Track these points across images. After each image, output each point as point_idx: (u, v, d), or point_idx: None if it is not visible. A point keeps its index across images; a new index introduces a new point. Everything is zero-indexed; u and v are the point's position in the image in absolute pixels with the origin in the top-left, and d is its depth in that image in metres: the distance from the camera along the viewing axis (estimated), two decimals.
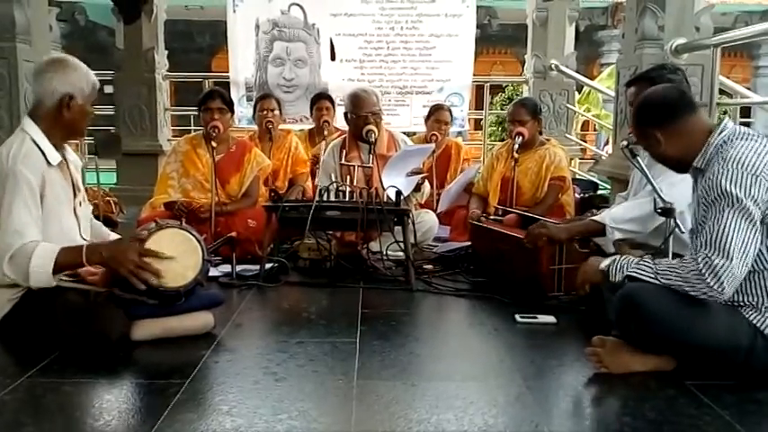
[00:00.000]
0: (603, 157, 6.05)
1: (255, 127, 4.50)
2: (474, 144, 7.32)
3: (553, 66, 6.17)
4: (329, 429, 1.57)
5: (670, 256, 2.04)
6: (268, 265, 3.02)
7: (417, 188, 3.32)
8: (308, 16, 5.69)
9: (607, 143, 8.34)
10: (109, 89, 6.23)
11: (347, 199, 3.04)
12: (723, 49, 3.46)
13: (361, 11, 5.70)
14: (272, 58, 5.74)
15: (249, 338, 2.30)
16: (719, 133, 1.86)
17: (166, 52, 6.13)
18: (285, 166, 4.25)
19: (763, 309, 1.82)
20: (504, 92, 8.81)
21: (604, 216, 2.58)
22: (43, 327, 2.05)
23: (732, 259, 1.72)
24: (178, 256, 2.13)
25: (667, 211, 2.09)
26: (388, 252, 3.10)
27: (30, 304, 2.07)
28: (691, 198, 2.01)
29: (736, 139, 1.83)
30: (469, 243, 3.46)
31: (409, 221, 3.03)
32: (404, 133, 4.05)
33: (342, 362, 1.99)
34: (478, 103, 7.81)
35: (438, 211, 3.92)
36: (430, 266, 3.31)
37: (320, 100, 4.67)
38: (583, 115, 7.65)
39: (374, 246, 3.22)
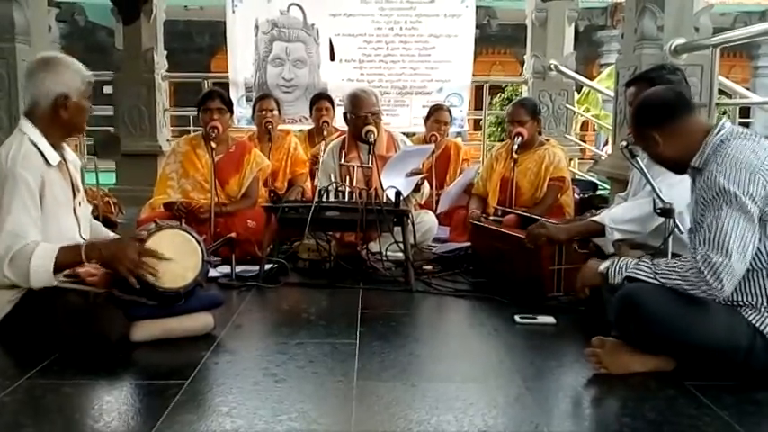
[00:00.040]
0: (603, 158, 6.06)
1: (255, 127, 4.50)
2: (473, 144, 7.33)
3: (552, 66, 6.17)
4: (329, 430, 1.57)
5: (669, 256, 2.04)
6: (267, 266, 3.02)
7: (417, 189, 3.32)
8: (307, 16, 5.68)
9: (606, 143, 8.35)
10: (108, 90, 6.24)
11: (347, 200, 3.04)
12: (722, 49, 3.46)
13: (360, 11, 5.70)
14: (271, 59, 5.74)
15: (249, 339, 2.30)
16: (717, 133, 1.87)
17: (166, 53, 6.12)
18: (284, 166, 4.25)
19: (762, 308, 1.82)
20: (504, 92, 8.82)
21: (604, 216, 2.58)
22: (43, 328, 2.05)
23: (731, 256, 1.73)
24: (178, 256, 2.13)
25: (667, 212, 2.09)
26: (388, 253, 3.10)
27: (29, 305, 2.07)
28: (690, 199, 2.01)
29: (734, 138, 1.84)
30: (469, 244, 3.46)
31: (409, 222, 3.03)
32: (403, 134, 4.05)
33: (341, 363, 1.99)
34: (478, 104, 7.81)
35: (438, 212, 3.92)
36: (429, 267, 3.31)
37: (320, 100, 4.67)
38: (582, 115, 7.66)
39: (374, 246, 3.22)
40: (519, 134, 3.59)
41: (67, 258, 2.07)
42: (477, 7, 5.98)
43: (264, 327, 2.55)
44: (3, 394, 1.74)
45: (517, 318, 2.44)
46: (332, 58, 5.73)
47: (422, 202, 3.69)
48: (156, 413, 1.62)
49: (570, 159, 5.92)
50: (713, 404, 1.70)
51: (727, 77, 4.02)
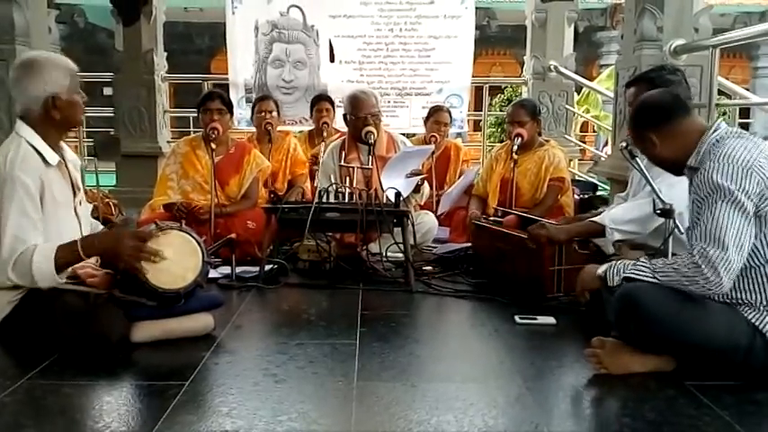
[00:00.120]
0: (603, 158, 6.06)
1: (254, 129, 4.50)
2: (473, 145, 7.32)
3: (552, 67, 6.17)
4: (329, 431, 1.57)
5: (669, 256, 2.04)
6: (268, 267, 3.03)
7: (417, 189, 3.32)
8: (307, 18, 5.68)
9: (606, 144, 8.34)
10: (108, 91, 6.24)
11: (347, 200, 3.04)
12: (722, 49, 3.46)
13: (360, 12, 5.70)
14: (271, 60, 5.74)
15: (249, 340, 2.30)
16: (712, 133, 1.90)
17: (165, 54, 6.12)
18: (284, 167, 4.25)
19: (761, 307, 1.83)
20: (504, 93, 8.81)
21: (604, 217, 2.59)
22: (43, 329, 2.05)
23: (727, 249, 1.74)
24: (178, 257, 2.13)
25: (666, 212, 2.10)
26: (388, 253, 3.10)
27: (29, 306, 2.08)
28: (689, 199, 2.02)
29: (728, 137, 1.87)
30: (469, 244, 3.46)
31: (409, 223, 3.04)
32: (403, 134, 4.05)
33: (342, 363, 1.99)
34: (477, 105, 7.81)
35: (438, 213, 3.92)
36: (429, 268, 3.31)
37: (320, 101, 4.67)
38: (582, 116, 7.65)
39: (374, 247, 3.22)
40: (519, 135, 3.60)
41: (66, 256, 2.07)
42: (476, 8, 5.98)
43: (264, 327, 2.55)
44: (3, 395, 1.74)
45: (517, 318, 2.44)
46: (332, 59, 5.73)
47: (422, 203, 3.70)
48: (156, 414, 1.62)
49: (570, 160, 5.92)
50: (713, 404, 1.70)
51: (727, 78, 4.02)
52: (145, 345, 2.11)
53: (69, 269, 2.14)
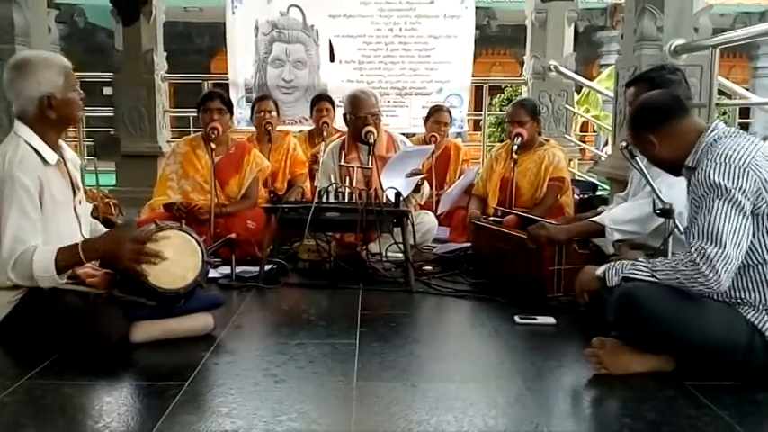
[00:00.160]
0: (602, 158, 6.06)
1: (254, 128, 4.50)
2: (473, 145, 7.32)
3: (552, 67, 6.17)
4: (329, 431, 1.57)
5: (669, 256, 2.04)
6: (267, 267, 3.03)
7: (417, 189, 3.32)
8: (306, 18, 5.68)
9: (606, 144, 8.34)
10: (108, 91, 6.23)
11: (346, 200, 3.04)
12: (722, 49, 3.46)
13: (359, 12, 5.70)
14: (271, 60, 5.74)
15: (249, 340, 2.30)
16: (710, 133, 1.90)
17: (165, 54, 6.12)
18: (284, 167, 4.25)
19: (760, 306, 1.83)
20: (504, 93, 8.81)
21: (604, 217, 2.59)
22: (43, 329, 2.05)
23: (725, 246, 1.75)
24: (177, 257, 2.13)
25: (666, 212, 2.10)
26: (388, 253, 3.10)
27: (29, 306, 2.08)
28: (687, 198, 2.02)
29: (726, 137, 1.88)
30: (469, 244, 3.46)
31: (408, 223, 3.04)
32: (403, 134, 4.05)
33: (341, 363, 1.99)
34: (477, 105, 7.82)
35: (438, 212, 3.92)
36: (429, 268, 3.31)
37: (320, 101, 4.67)
38: (582, 116, 7.65)
39: (373, 247, 3.22)
40: (519, 135, 3.60)
41: (66, 259, 2.07)
42: (476, 8, 5.98)
43: (264, 327, 2.55)
44: (3, 395, 1.74)
45: (517, 318, 2.44)
46: (332, 59, 5.73)
47: (422, 203, 3.69)
48: (155, 414, 1.62)
49: (570, 160, 5.92)
50: (713, 404, 1.70)
51: (727, 78, 4.02)
52: (145, 345, 2.11)
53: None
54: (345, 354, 2.07)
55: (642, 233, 2.50)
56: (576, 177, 5.95)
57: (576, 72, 6.36)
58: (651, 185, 2.17)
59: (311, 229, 2.98)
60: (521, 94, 7.05)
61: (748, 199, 1.77)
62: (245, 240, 3.30)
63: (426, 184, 3.50)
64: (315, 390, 1.81)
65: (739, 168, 1.78)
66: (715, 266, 1.75)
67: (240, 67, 5.75)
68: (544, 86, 6.27)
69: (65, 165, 2.27)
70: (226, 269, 3.10)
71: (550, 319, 2.43)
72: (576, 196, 4.27)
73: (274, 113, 4.24)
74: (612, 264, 1.97)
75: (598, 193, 5.39)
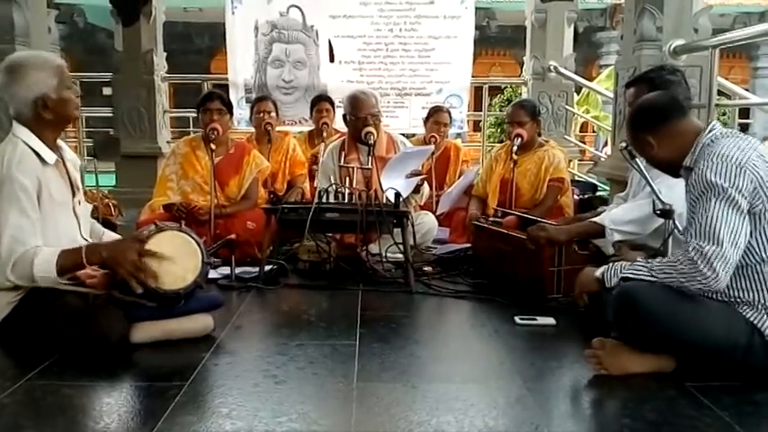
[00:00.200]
0: (602, 159, 6.06)
1: (254, 129, 4.50)
2: (473, 146, 7.31)
3: (552, 67, 6.17)
4: (329, 431, 1.57)
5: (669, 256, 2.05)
6: (267, 268, 3.02)
7: (416, 190, 3.33)
8: (306, 18, 5.68)
9: (606, 145, 8.34)
10: (108, 91, 6.22)
11: (346, 201, 3.04)
12: (721, 50, 3.46)
13: (359, 13, 5.70)
14: (270, 60, 5.74)
15: (249, 341, 2.30)
16: (708, 133, 1.91)
17: (165, 54, 6.12)
18: (283, 168, 4.25)
19: (759, 306, 1.83)
20: (503, 93, 8.81)
21: (604, 218, 2.59)
22: (43, 329, 2.05)
23: (723, 245, 1.76)
24: (177, 258, 2.13)
25: (666, 213, 2.10)
26: (388, 254, 3.10)
27: (29, 307, 2.07)
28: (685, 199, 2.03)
29: (723, 137, 1.89)
30: (469, 245, 3.46)
31: (408, 223, 3.03)
32: (403, 135, 4.05)
33: (342, 364, 1.99)
34: (477, 105, 7.81)
35: (438, 213, 3.92)
36: (429, 268, 3.31)
37: (320, 102, 4.67)
38: (582, 117, 7.65)
39: (373, 248, 3.22)
40: (518, 135, 3.60)
41: (68, 262, 2.06)
42: (476, 8, 5.98)
43: (264, 328, 2.55)
44: (3, 396, 1.74)
45: (517, 319, 2.44)
46: (331, 59, 5.73)
47: (422, 204, 3.69)
48: (155, 415, 1.62)
49: (570, 160, 5.92)
50: (713, 405, 1.70)
51: (727, 78, 4.01)
52: (145, 345, 2.10)
53: None
54: (345, 355, 2.07)
55: (642, 234, 2.50)
56: (576, 178, 5.95)
57: (575, 73, 6.36)
58: (651, 186, 2.17)
59: (311, 229, 2.98)
60: (520, 94, 7.05)
61: (745, 198, 1.78)
62: (244, 241, 3.30)
63: (426, 184, 3.50)
64: (315, 391, 1.81)
65: (736, 168, 1.79)
66: (713, 265, 1.75)
67: (240, 67, 5.76)
68: (544, 87, 6.26)
69: (64, 165, 2.27)
70: (226, 270, 3.09)
71: (550, 320, 2.43)
72: (575, 197, 4.27)
73: (274, 114, 4.23)
74: (611, 264, 1.97)
75: (598, 193, 5.38)
